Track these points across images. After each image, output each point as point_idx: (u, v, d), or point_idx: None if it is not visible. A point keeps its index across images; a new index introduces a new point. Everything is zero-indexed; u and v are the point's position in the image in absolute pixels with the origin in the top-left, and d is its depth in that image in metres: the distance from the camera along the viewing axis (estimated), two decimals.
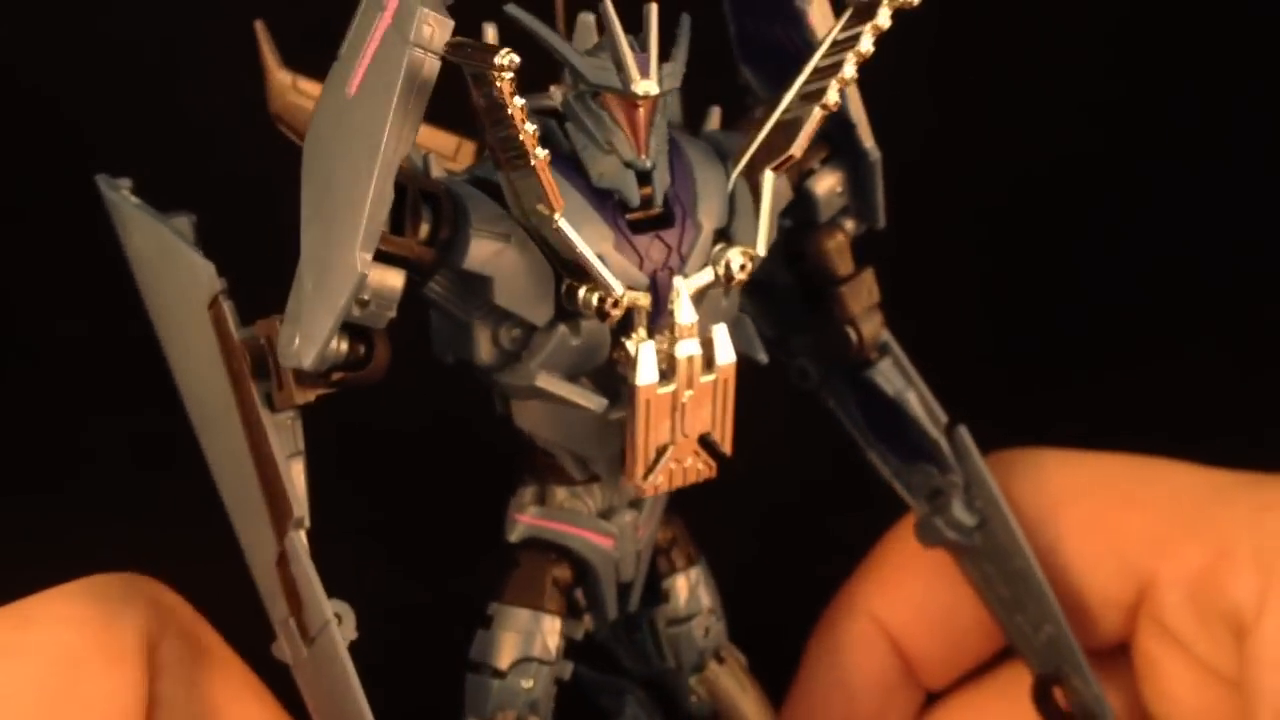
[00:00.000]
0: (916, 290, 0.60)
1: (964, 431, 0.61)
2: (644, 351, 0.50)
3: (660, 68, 0.50)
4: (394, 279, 0.47)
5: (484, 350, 0.51)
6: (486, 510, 0.57)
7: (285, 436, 0.50)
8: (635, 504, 0.56)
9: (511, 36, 0.51)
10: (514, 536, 0.55)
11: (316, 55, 0.54)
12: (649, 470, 0.52)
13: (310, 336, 0.47)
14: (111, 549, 0.55)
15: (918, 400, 0.61)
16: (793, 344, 0.63)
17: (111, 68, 0.75)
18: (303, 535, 0.50)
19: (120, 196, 0.53)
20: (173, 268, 0.51)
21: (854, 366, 0.61)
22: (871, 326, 0.60)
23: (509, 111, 0.44)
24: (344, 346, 0.48)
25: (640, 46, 0.50)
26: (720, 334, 0.52)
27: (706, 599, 0.59)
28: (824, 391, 0.63)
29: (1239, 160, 0.84)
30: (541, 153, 0.46)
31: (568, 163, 0.50)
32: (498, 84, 0.44)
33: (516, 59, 0.44)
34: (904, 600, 0.65)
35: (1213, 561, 0.60)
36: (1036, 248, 0.85)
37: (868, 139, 0.57)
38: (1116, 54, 0.85)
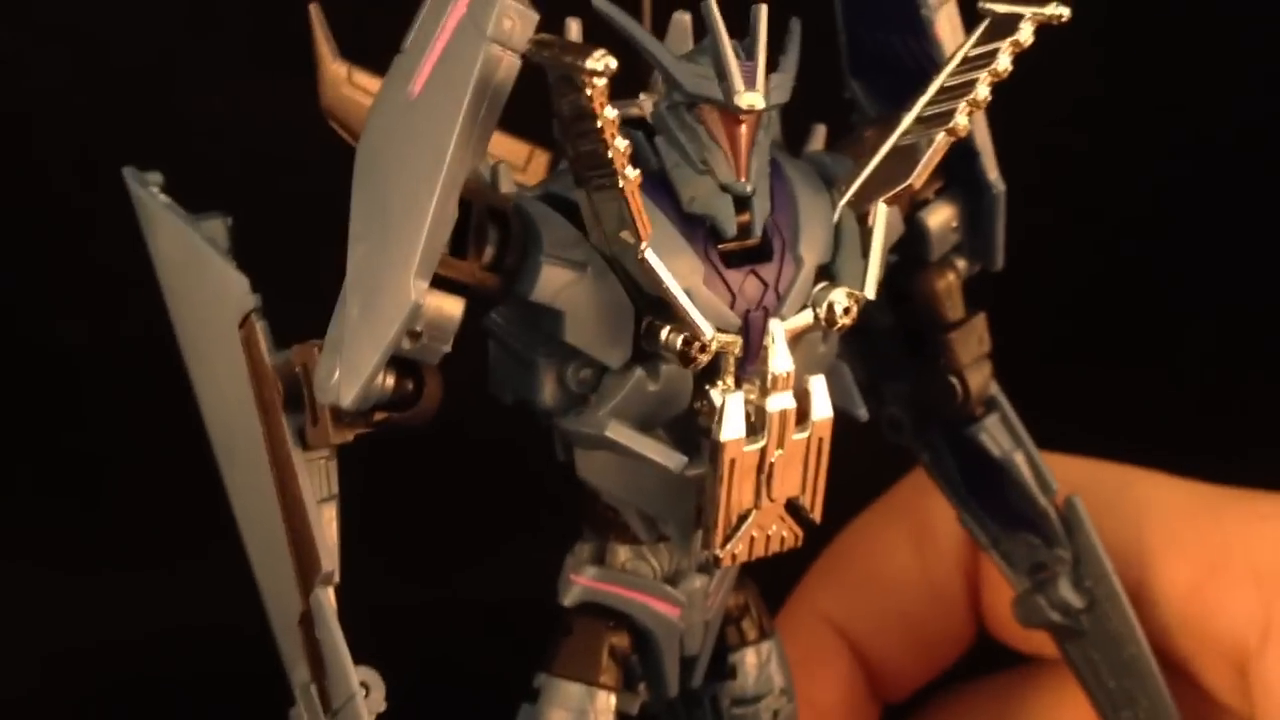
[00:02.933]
0: None
1: (1078, 502, 0.55)
2: (731, 403, 0.44)
3: (768, 78, 0.43)
4: (451, 308, 0.41)
5: (548, 392, 0.44)
6: (487, 509, 0.51)
7: (318, 478, 0.44)
8: (706, 568, 0.50)
9: (598, 36, 0.45)
10: (568, 600, 0.48)
11: (371, 47, 0.48)
12: (728, 538, 0.45)
13: (352, 371, 0.40)
14: None
15: (1026, 463, 0.55)
16: (885, 390, 0.56)
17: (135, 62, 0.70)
18: (330, 593, 0.44)
19: (148, 193, 0.47)
20: (201, 277, 0.45)
21: (956, 421, 0.55)
22: (980, 379, 0.54)
23: (598, 124, 0.38)
24: (390, 382, 0.42)
25: (746, 53, 0.43)
26: (817, 386, 0.45)
27: (779, 678, 0.52)
28: (917, 445, 0.57)
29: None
30: (632, 173, 0.39)
31: (656, 182, 0.44)
32: (588, 91, 0.37)
33: (613, 63, 0.37)
34: (867, 607, 0.62)
35: (1204, 579, 0.56)
36: (1022, 240, 0.80)
37: (992, 170, 0.51)
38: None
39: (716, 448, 0.44)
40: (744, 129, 0.43)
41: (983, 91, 0.46)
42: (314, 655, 0.44)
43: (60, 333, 0.46)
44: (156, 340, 0.47)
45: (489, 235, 0.42)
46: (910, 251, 0.52)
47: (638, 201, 0.40)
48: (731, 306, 0.44)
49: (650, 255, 0.41)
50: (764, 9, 0.44)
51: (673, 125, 0.44)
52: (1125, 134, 0.82)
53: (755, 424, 0.45)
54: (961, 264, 0.53)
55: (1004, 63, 0.45)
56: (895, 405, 0.56)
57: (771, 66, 0.44)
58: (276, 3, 0.48)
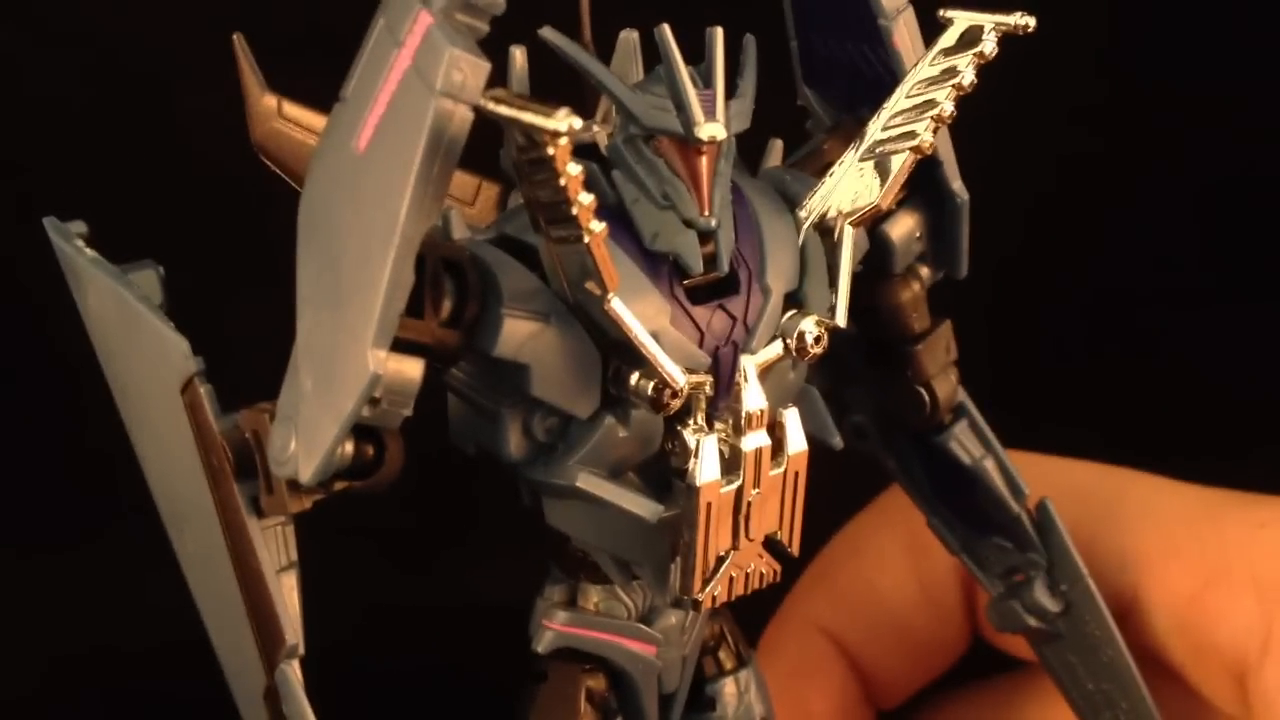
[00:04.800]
0: None
1: (1050, 505, 0.54)
2: (706, 446, 0.42)
3: (727, 105, 0.41)
4: (411, 370, 0.39)
5: (514, 444, 0.42)
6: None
7: (275, 547, 0.42)
8: (681, 604, 0.48)
9: (544, 63, 0.43)
10: (542, 647, 0.47)
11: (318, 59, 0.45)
12: (707, 581, 0.44)
13: (311, 447, 0.38)
14: None
15: (996, 469, 0.54)
16: (846, 397, 0.55)
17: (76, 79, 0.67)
18: (296, 667, 0.42)
19: (73, 248, 0.44)
20: (137, 339, 0.43)
21: (924, 430, 0.53)
22: (947, 387, 0.52)
23: (561, 181, 0.36)
24: (349, 449, 0.39)
25: (703, 80, 0.41)
26: (791, 419, 0.44)
27: (759, 706, 0.51)
28: (883, 452, 0.55)
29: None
30: (598, 226, 0.37)
31: (614, 218, 0.42)
32: (550, 150, 0.35)
33: (579, 122, 0.35)
34: (859, 615, 0.60)
35: (1202, 588, 0.55)
36: (1027, 245, 0.80)
37: (955, 179, 0.49)
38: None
39: (693, 492, 0.42)
40: (705, 160, 0.41)
41: (948, 107, 0.44)
42: None
43: (62, 332, 0.43)
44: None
45: (445, 288, 0.39)
46: (874, 264, 0.50)
47: (604, 254, 0.38)
48: (700, 345, 0.43)
49: (617, 305, 0.39)
50: (720, 32, 0.42)
51: (630, 159, 0.42)
52: (1126, 138, 0.81)
53: (730, 463, 0.43)
54: (925, 273, 0.52)
55: (968, 76, 0.44)
56: (859, 413, 0.55)
57: (728, 90, 0.42)
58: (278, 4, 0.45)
